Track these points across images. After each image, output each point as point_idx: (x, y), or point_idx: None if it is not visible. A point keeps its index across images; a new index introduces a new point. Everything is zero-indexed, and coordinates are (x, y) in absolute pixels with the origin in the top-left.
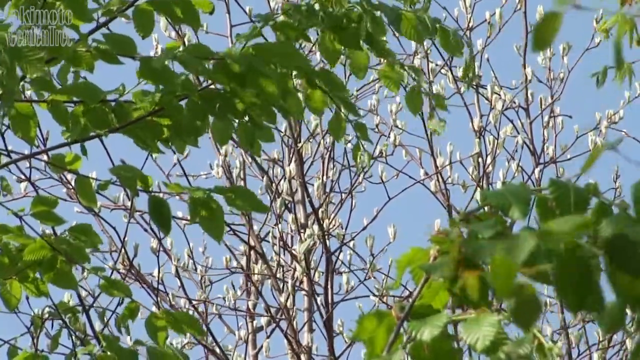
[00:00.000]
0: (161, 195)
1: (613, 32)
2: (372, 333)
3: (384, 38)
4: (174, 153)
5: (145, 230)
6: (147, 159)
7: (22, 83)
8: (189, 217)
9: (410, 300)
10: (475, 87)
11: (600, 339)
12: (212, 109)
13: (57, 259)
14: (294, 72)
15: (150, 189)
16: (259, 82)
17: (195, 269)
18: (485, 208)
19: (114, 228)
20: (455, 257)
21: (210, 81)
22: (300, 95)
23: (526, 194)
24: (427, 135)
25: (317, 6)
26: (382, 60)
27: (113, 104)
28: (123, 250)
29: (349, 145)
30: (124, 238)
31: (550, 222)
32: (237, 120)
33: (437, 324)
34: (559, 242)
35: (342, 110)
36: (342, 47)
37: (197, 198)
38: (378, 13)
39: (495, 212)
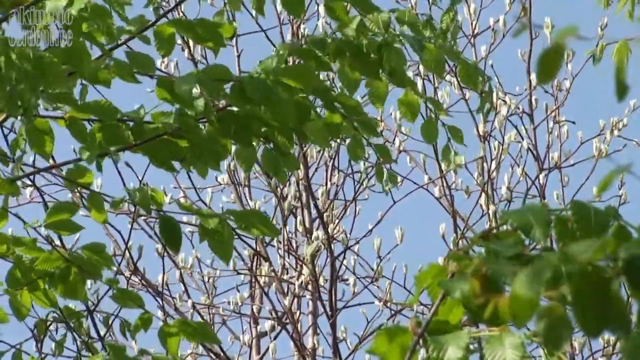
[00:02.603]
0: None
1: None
2: (387, 348)
3: (403, 69)
4: (188, 175)
5: (150, 236)
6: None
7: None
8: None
9: (413, 309)
10: (480, 93)
11: (604, 345)
12: (230, 132)
13: (71, 271)
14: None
15: (162, 208)
16: (275, 108)
17: (201, 270)
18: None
19: (120, 232)
20: (475, 276)
21: (228, 104)
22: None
23: (547, 214)
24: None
25: (338, 34)
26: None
27: (131, 123)
28: (127, 254)
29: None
30: (128, 241)
31: (572, 245)
32: (262, 146)
33: (460, 344)
34: (579, 265)
35: (361, 133)
36: (362, 77)
37: (209, 228)
38: (399, 43)
39: (515, 231)
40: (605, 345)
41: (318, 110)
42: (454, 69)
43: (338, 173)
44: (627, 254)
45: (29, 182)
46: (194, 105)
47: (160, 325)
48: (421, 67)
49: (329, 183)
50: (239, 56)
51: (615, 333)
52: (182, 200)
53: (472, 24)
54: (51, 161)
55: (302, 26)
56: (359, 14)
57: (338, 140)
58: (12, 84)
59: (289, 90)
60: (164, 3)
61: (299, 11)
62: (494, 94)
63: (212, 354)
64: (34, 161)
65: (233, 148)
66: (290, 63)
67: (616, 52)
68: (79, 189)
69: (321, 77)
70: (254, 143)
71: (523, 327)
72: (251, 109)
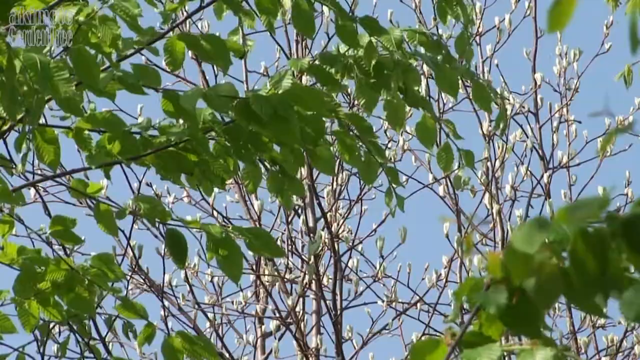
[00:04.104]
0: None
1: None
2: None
3: (417, 88)
4: (201, 194)
5: (156, 236)
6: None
7: (45, 107)
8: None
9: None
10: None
11: (609, 344)
12: (239, 149)
13: (75, 279)
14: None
15: (169, 223)
16: (281, 128)
17: (208, 266)
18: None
19: (123, 231)
20: (510, 289)
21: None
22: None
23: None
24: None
25: (351, 52)
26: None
27: (137, 136)
28: (131, 254)
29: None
30: (128, 241)
31: (568, 206)
32: (268, 168)
33: (492, 356)
34: (578, 223)
35: (373, 155)
36: (379, 95)
37: (215, 237)
38: (413, 62)
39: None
40: (610, 344)
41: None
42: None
43: (343, 171)
44: (626, 214)
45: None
46: (200, 116)
47: (163, 329)
48: (425, 68)
49: (334, 183)
50: (246, 73)
51: (611, 293)
52: (185, 200)
53: (477, 23)
54: (58, 170)
55: (309, 45)
56: (368, 35)
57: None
58: (15, 89)
59: (298, 110)
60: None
61: (310, 30)
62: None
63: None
64: (35, 167)
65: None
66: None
67: (630, 6)
68: (85, 199)
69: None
70: (260, 164)
71: (518, 283)
72: (258, 128)
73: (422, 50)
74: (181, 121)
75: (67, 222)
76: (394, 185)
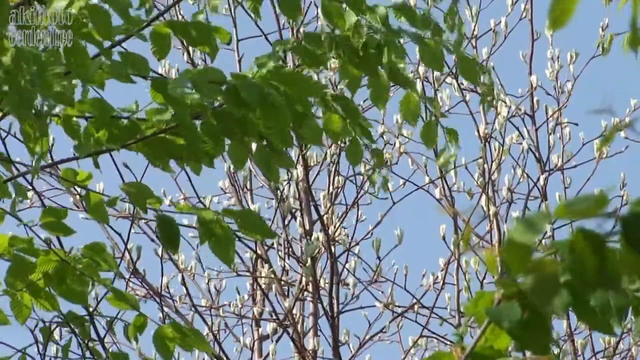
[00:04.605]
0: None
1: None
2: None
3: (402, 65)
4: (187, 175)
5: (153, 240)
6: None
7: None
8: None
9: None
10: (481, 94)
11: (606, 347)
12: (227, 130)
13: (67, 270)
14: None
15: (159, 208)
16: (269, 112)
17: (204, 270)
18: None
19: (120, 235)
20: (521, 303)
21: (222, 103)
22: (319, 121)
23: None
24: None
25: (336, 31)
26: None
27: (125, 120)
28: (128, 256)
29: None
30: (127, 243)
31: (568, 200)
32: (255, 144)
33: None
34: (576, 218)
35: (360, 137)
36: (363, 75)
37: (206, 219)
38: (398, 40)
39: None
40: (607, 346)
41: (313, 109)
42: (454, 70)
43: (338, 176)
44: (625, 212)
45: (28, 187)
46: (189, 100)
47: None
48: (421, 70)
49: (331, 187)
50: (239, 60)
51: (608, 291)
52: (182, 202)
53: (473, 26)
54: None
55: (301, 29)
56: (354, 15)
57: (339, 143)
58: (23, 85)
59: (285, 94)
60: (157, 3)
61: (295, 14)
62: (495, 88)
63: (214, 357)
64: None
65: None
66: (290, 64)
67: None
68: (76, 188)
69: (323, 77)
70: (248, 140)
71: (517, 276)
72: (246, 112)
73: (407, 27)
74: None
75: (59, 213)
76: (379, 167)
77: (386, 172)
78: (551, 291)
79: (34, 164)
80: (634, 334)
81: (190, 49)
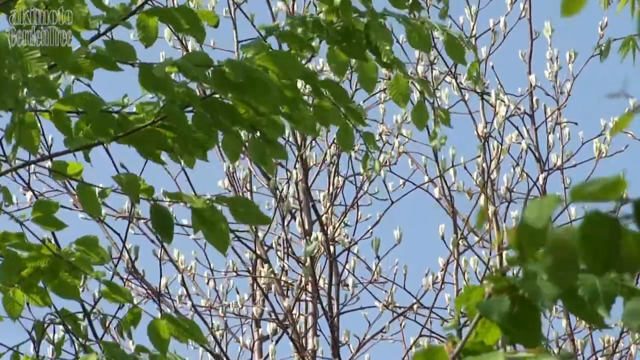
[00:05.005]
0: (165, 202)
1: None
2: None
3: (389, 48)
4: (182, 168)
5: (152, 241)
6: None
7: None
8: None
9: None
10: (480, 94)
11: (606, 345)
12: (217, 120)
13: (59, 265)
14: (305, 85)
15: (153, 198)
16: (259, 92)
17: (210, 268)
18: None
19: (118, 234)
20: (511, 297)
21: (213, 92)
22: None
23: None
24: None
25: (322, 16)
26: (389, 71)
27: (116, 114)
28: (127, 256)
29: (354, 153)
30: (124, 242)
31: (582, 184)
32: (249, 136)
33: None
34: (589, 200)
35: (350, 121)
36: (350, 59)
37: (199, 208)
38: (385, 22)
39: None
40: (606, 345)
41: (305, 98)
42: (453, 70)
43: (338, 177)
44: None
45: (24, 185)
46: (177, 90)
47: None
48: (420, 69)
49: (330, 187)
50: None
51: (622, 274)
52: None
53: (472, 25)
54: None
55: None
56: None
57: (328, 129)
58: (5, 76)
59: (274, 75)
60: None
61: None
62: (481, 71)
63: (213, 357)
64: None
65: (220, 138)
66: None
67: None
68: (67, 180)
69: (310, 65)
70: (241, 133)
71: (531, 256)
72: (235, 96)
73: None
74: (157, 98)
75: (51, 206)
76: (372, 151)
77: (378, 155)
78: (570, 271)
79: (10, 153)
80: (633, 332)
81: (184, 40)
